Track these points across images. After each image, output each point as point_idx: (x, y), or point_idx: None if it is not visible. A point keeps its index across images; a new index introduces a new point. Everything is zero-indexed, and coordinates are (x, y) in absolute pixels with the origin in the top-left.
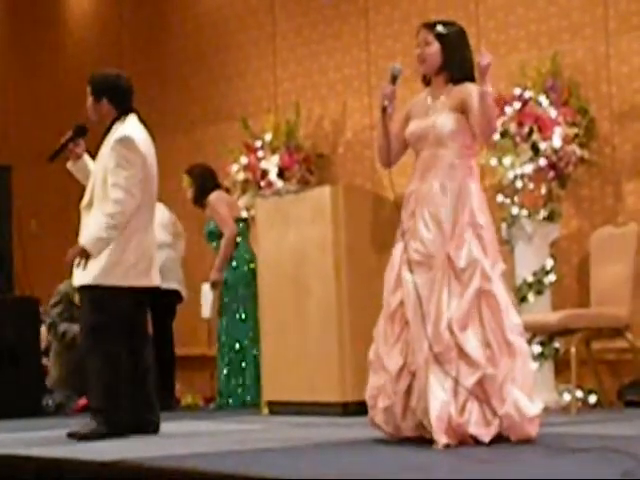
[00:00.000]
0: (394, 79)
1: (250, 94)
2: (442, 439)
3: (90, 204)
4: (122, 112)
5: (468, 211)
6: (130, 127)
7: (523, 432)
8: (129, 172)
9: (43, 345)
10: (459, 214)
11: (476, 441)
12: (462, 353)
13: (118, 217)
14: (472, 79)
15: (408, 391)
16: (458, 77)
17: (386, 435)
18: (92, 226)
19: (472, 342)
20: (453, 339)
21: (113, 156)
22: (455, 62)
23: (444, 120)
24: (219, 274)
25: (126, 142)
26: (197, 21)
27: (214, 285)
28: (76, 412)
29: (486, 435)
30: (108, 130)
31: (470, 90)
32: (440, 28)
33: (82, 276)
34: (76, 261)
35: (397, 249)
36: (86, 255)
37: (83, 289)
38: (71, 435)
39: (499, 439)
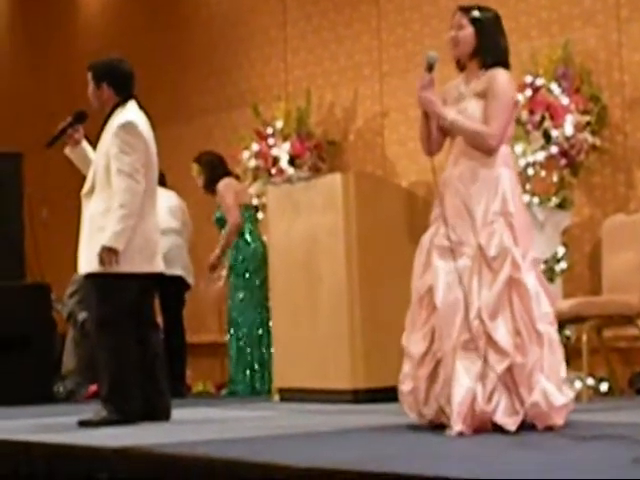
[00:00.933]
0: (430, 67)
1: (261, 81)
2: (457, 426)
3: (91, 190)
4: (123, 98)
5: (500, 199)
6: (132, 113)
7: (550, 421)
8: (132, 157)
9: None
10: (490, 202)
11: (501, 430)
12: (491, 341)
13: (129, 206)
14: (505, 65)
15: (431, 377)
16: (490, 62)
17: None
18: (109, 223)
19: (501, 330)
20: (482, 327)
21: (116, 142)
22: (488, 47)
23: (474, 107)
24: (216, 260)
25: (129, 127)
26: (208, 9)
27: (210, 268)
28: (87, 399)
29: (512, 424)
30: (109, 116)
31: (494, 76)
32: (475, 12)
33: (88, 264)
34: (107, 261)
35: (427, 234)
36: (114, 252)
37: (89, 277)
38: (82, 423)
39: (522, 427)
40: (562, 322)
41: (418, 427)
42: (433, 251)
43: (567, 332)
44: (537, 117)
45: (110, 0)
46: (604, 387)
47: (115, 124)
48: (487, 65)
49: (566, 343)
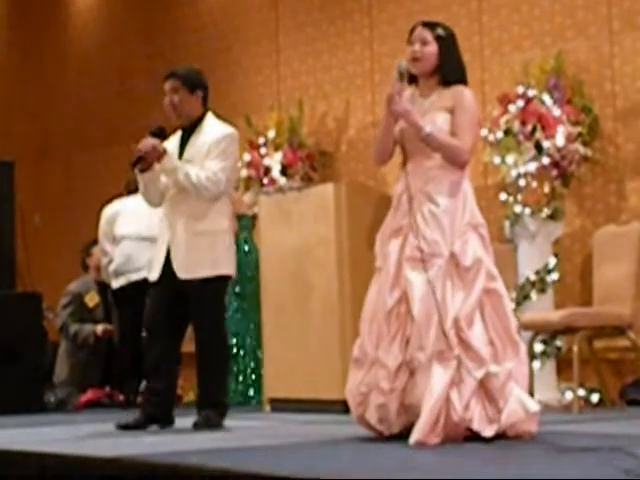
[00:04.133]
0: (402, 76)
1: (253, 91)
2: (417, 435)
3: (183, 193)
4: (206, 110)
5: (469, 211)
6: (226, 126)
7: (525, 428)
8: (227, 164)
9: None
10: (459, 213)
11: (476, 437)
12: (469, 349)
13: (202, 188)
14: (465, 83)
15: (404, 388)
16: (451, 79)
17: (374, 433)
18: (189, 166)
19: (479, 339)
20: (458, 337)
21: (217, 150)
22: (450, 65)
23: (442, 120)
24: None
25: (234, 138)
26: (200, 18)
27: None
28: (78, 408)
29: (489, 431)
30: (196, 124)
31: (462, 92)
32: (440, 30)
33: (197, 269)
34: (144, 147)
35: (393, 246)
36: (159, 157)
37: (202, 282)
38: (196, 425)
39: (497, 436)
40: (553, 333)
41: (398, 437)
42: (404, 263)
43: (558, 343)
44: (529, 128)
45: (102, 12)
46: (595, 398)
47: (217, 132)
48: (448, 81)
49: (557, 354)
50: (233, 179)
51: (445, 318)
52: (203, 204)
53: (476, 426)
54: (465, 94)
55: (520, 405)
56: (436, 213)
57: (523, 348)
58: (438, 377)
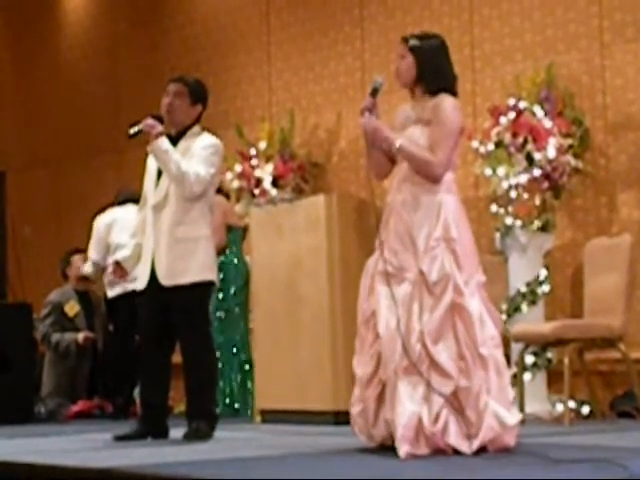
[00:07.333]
0: (375, 91)
1: (245, 102)
2: (404, 448)
3: (164, 202)
4: (196, 121)
5: (441, 225)
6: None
7: (505, 442)
8: (212, 171)
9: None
10: (432, 228)
11: (455, 451)
12: (435, 365)
13: (195, 177)
14: (451, 91)
15: (379, 399)
16: (433, 89)
17: (364, 444)
18: (181, 157)
19: (444, 355)
20: (425, 352)
21: (203, 154)
22: (429, 74)
23: (418, 134)
24: None
25: (219, 149)
26: (193, 30)
27: None
28: (68, 419)
29: (467, 447)
30: (182, 134)
31: (440, 103)
32: (413, 41)
33: (180, 275)
34: (140, 126)
35: (372, 258)
36: (156, 135)
37: (186, 288)
38: (186, 436)
39: (480, 450)
40: (544, 345)
41: (385, 449)
42: (376, 276)
43: (549, 355)
44: (520, 140)
45: (93, 22)
46: (585, 410)
47: (204, 140)
48: (432, 91)
49: (548, 366)
50: (213, 189)
51: (410, 334)
52: (184, 210)
53: (453, 441)
54: (443, 105)
55: (496, 420)
56: (410, 229)
57: (496, 359)
58: (407, 392)
